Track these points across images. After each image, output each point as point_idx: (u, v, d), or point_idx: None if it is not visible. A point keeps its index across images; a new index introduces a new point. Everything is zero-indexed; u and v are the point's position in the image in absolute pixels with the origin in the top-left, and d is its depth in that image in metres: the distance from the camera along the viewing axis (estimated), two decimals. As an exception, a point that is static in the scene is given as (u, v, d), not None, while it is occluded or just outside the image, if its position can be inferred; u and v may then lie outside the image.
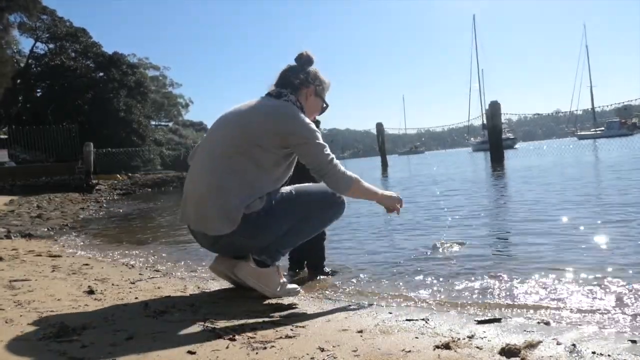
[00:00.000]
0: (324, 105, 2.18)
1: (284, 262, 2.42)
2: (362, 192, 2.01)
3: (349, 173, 1.94)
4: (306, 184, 2.07)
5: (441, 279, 2.25)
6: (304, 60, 2.10)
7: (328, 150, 1.94)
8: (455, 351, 1.28)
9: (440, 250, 2.91)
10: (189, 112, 43.08)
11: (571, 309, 1.71)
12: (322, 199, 2.02)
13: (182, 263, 3.08)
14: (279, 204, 1.90)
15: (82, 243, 4.28)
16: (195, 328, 1.53)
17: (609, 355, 1.25)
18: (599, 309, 1.69)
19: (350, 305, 1.88)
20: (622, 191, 5.08)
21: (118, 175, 18.69)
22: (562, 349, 1.31)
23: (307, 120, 1.95)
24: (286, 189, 1.98)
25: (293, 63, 2.11)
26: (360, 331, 1.49)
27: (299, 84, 2.06)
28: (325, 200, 2.02)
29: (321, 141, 1.93)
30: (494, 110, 14.56)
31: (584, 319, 1.61)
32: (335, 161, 1.94)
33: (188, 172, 2.04)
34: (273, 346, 1.35)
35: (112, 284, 2.33)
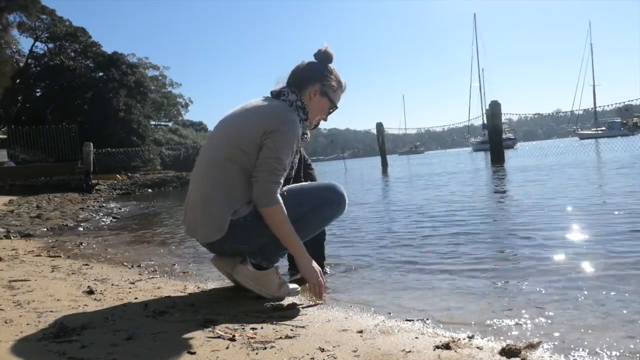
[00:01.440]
0: (331, 106, 2.04)
1: (283, 262, 2.42)
2: (279, 225, 1.80)
3: (279, 198, 1.79)
4: (300, 184, 2.02)
5: (442, 279, 2.25)
6: (321, 57, 1.99)
7: (282, 173, 1.80)
8: (456, 351, 1.28)
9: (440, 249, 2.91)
10: (188, 112, 43.18)
11: (571, 310, 1.71)
12: (317, 197, 1.93)
13: (182, 263, 3.08)
14: None
15: (81, 243, 4.27)
16: (195, 328, 1.53)
17: (609, 356, 1.25)
18: (600, 310, 1.69)
19: (350, 305, 1.88)
20: (628, 194, 5.06)
21: (118, 175, 18.70)
22: (563, 349, 1.30)
23: (291, 132, 1.81)
24: None
25: (312, 59, 2.00)
26: (360, 331, 1.49)
27: (304, 81, 1.97)
28: (321, 199, 1.94)
29: (285, 161, 1.80)
30: (494, 110, 14.58)
31: (584, 320, 1.60)
32: (280, 181, 1.80)
33: (191, 174, 2.04)
34: (273, 346, 1.35)
35: (112, 284, 2.33)
